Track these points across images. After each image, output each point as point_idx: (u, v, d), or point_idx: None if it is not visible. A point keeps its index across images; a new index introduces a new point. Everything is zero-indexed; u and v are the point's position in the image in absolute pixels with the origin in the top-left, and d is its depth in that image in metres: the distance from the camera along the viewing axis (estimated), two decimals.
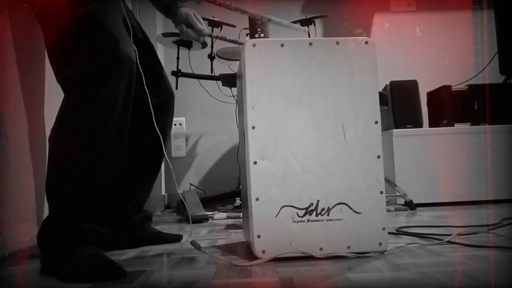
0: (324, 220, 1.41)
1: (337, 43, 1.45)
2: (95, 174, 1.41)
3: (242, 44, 2.13)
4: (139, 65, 1.52)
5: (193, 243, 1.50)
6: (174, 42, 2.91)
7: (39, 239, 1.41)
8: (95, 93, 1.40)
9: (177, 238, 1.88)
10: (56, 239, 1.36)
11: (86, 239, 1.38)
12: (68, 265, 1.31)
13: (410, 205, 2.65)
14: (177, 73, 2.91)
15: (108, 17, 1.49)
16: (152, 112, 1.56)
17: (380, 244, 1.42)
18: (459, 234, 1.66)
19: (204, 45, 2.94)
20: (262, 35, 2.67)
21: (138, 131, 1.67)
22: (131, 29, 1.60)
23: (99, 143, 1.41)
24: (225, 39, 2.18)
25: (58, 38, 1.46)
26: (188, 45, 2.94)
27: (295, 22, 3.04)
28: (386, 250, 1.42)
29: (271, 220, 1.39)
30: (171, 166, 1.69)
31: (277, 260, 1.37)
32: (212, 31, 3.01)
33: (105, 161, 1.43)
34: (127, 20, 1.61)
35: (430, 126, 3.19)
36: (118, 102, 1.43)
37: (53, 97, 1.93)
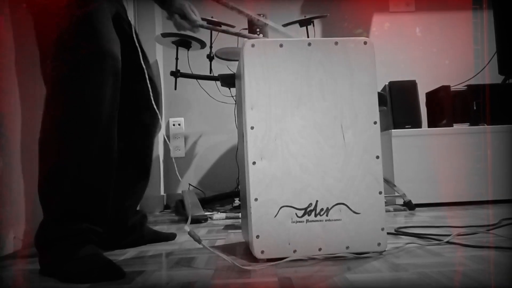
0: (323, 220, 1.41)
1: (336, 43, 1.46)
2: (86, 173, 1.39)
3: (237, 34, 2.12)
4: (142, 61, 1.56)
5: (192, 234, 1.44)
6: (173, 42, 2.91)
7: (37, 240, 1.40)
8: (78, 90, 1.38)
9: (172, 237, 1.90)
10: (54, 240, 1.36)
11: (84, 239, 1.37)
12: (66, 265, 1.30)
13: (409, 206, 2.65)
14: (176, 74, 2.91)
15: (98, 18, 1.47)
16: (155, 106, 1.58)
17: (379, 244, 1.42)
18: (458, 235, 1.66)
19: (203, 45, 2.94)
20: (261, 35, 2.67)
21: (127, 130, 1.67)
22: (132, 30, 1.63)
23: (88, 141, 1.39)
24: (220, 30, 2.17)
25: (48, 36, 1.45)
26: (187, 45, 2.94)
27: (293, 22, 3.05)
28: (385, 251, 1.42)
29: (270, 220, 1.39)
30: (175, 166, 1.69)
31: (276, 260, 1.37)
32: (211, 31, 3.01)
33: (97, 159, 1.41)
34: (122, 21, 1.63)
35: (429, 127, 3.19)
36: (105, 99, 1.41)
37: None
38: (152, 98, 1.58)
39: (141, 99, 1.65)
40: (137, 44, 1.61)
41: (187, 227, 1.44)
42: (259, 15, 2.76)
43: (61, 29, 1.42)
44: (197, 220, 2.45)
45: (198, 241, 1.43)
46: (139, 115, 1.71)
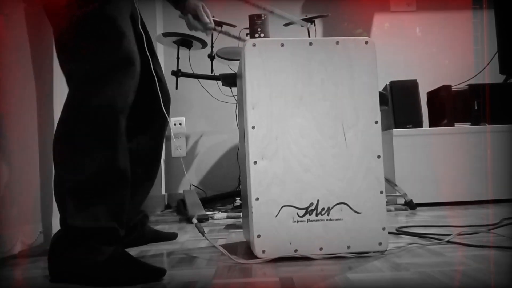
0: (324, 220, 1.41)
1: (337, 43, 1.45)
2: (108, 174, 1.35)
3: (244, 40, 2.12)
4: (151, 63, 1.57)
5: (197, 226, 1.51)
6: (174, 42, 2.91)
7: (58, 242, 1.30)
8: (104, 89, 1.36)
9: (173, 237, 1.90)
10: (80, 240, 1.27)
11: (112, 238, 1.31)
12: (96, 266, 1.23)
13: (410, 205, 2.65)
14: (177, 73, 2.90)
15: (119, 14, 1.45)
16: (164, 109, 1.60)
17: (380, 244, 1.42)
18: (459, 234, 1.66)
19: (204, 45, 2.95)
20: (262, 35, 2.67)
21: (138, 131, 1.69)
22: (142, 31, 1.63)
23: (109, 142, 1.36)
24: (229, 35, 2.16)
25: (70, 30, 1.41)
26: (188, 45, 2.94)
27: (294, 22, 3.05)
28: (386, 250, 1.42)
29: (271, 220, 1.39)
30: (184, 167, 1.70)
31: (277, 259, 1.37)
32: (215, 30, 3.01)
33: (116, 160, 1.36)
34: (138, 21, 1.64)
35: (430, 126, 3.19)
36: (128, 100, 1.40)
37: (55, 97, 1.94)
38: (161, 101, 1.60)
39: (153, 102, 1.65)
40: (146, 50, 1.61)
41: (194, 220, 1.53)
42: (261, 14, 2.76)
43: (83, 24, 1.39)
44: (198, 220, 2.44)
45: (202, 233, 1.48)
46: (151, 118, 1.72)
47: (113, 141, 1.36)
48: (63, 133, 1.38)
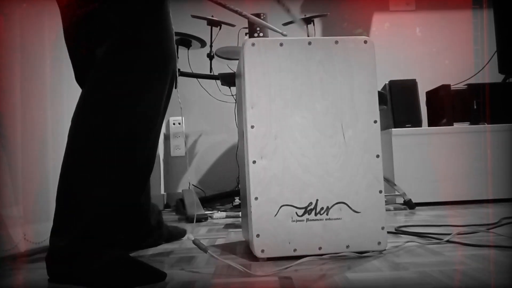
0: (323, 219, 1.41)
1: (336, 42, 1.45)
2: (125, 184, 1.29)
3: (243, 15, 2.05)
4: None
5: (196, 243, 1.39)
6: None
7: (56, 244, 1.24)
8: (142, 90, 1.29)
9: (183, 233, 1.89)
10: (80, 243, 1.22)
11: (112, 242, 1.26)
12: (99, 269, 1.19)
13: (409, 204, 2.65)
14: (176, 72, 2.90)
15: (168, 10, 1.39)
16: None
17: (379, 243, 1.42)
18: (459, 234, 1.66)
19: (203, 44, 2.94)
20: (261, 34, 2.67)
21: None
22: None
23: (134, 156, 1.29)
24: (224, 6, 2.07)
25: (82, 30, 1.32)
26: (187, 44, 2.94)
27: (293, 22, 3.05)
28: (385, 250, 1.43)
29: (270, 219, 1.39)
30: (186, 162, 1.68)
31: (276, 259, 1.37)
32: (212, 30, 3.01)
33: (139, 169, 1.32)
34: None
35: (429, 126, 3.19)
36: (161, 103, 1.36)
37: (55, 97, 1.93)
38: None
39: None
40: None
41: (191, 236, 1.40)
42: (260, 14, 2.76)
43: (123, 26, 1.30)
44: (197, 219, 2.45)
45: (205, 250, 1.38)
46: None
47: (139, 154, 1.32)
48: (84, 140, 1.28)
